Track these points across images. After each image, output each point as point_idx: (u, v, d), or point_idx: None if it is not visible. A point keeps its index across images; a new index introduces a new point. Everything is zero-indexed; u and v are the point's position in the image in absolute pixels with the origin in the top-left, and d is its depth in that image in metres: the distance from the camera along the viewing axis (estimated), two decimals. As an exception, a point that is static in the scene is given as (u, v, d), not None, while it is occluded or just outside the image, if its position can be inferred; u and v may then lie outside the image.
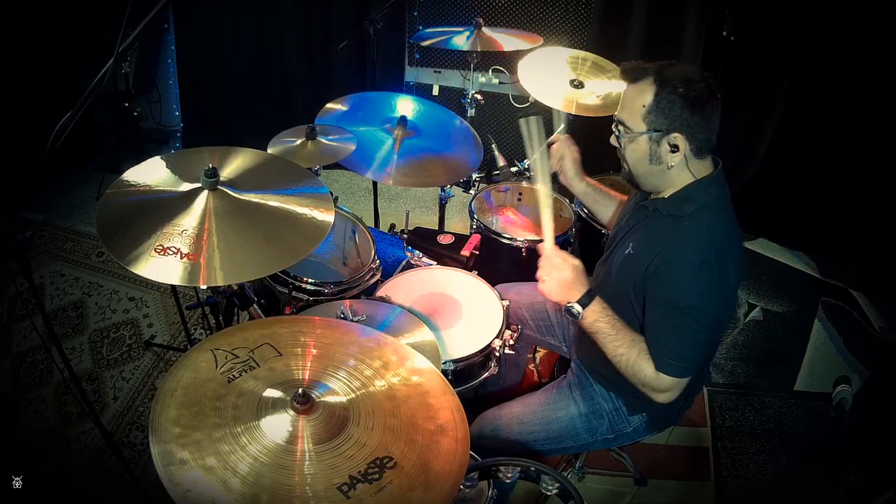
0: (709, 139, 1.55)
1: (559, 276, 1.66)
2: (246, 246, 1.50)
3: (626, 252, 1.68)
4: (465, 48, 2.68)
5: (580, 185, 2.07)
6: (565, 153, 2.04)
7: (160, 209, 1.53)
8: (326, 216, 1.62)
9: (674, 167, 1.58)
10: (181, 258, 1.43)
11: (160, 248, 1.44)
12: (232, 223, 1.53)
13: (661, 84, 1.52)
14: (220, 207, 1.55)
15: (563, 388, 1.91)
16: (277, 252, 1.51)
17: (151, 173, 1.63)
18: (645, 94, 1.54)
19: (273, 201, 1.62)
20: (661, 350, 1.59)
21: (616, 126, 1.63)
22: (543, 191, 1.81)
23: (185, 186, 1.59)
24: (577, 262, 1.68)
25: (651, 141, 1.56)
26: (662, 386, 1.60)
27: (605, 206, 2.08)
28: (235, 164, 1.69)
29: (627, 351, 1.63)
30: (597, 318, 1.65)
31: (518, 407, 1.90)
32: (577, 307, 1.65)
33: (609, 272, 1.78)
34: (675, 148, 1.55)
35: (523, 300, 2.15)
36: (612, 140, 1.66)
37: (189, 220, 1.51)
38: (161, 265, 1.42)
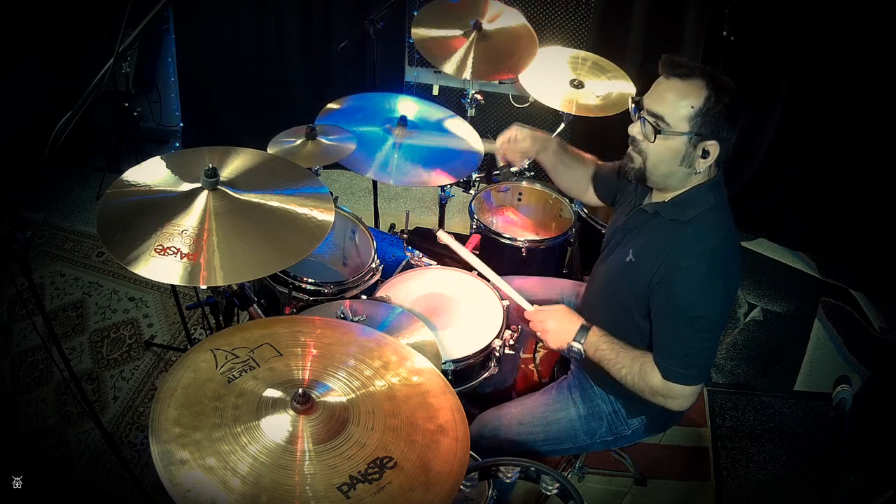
0: (730, 149, 1.55)
1: (547, 327, 1.78)
2: (246, 246, 1.50)
3: (627, 259, 1.67)
4: (452, 72, 2.54)
5: (548, 153, 2.04)
6: (509, 137, 2.04)
7: (160, 209, 1.52)
8: (326, 216, 1.62)
9: (700, 173, 1.57)
10: (181, 258, 1.43)
11: (160, 248, 1.44)
12: (232, 223, 1.53)
13: (715, 91, 1.48)
14: (220, 207, 1.55)
15: (562, 390, 1.91)
16: (278, 252, 1.51)
17: (151, 173, 1.63)
18: (695, 96, 1.48)
19: (273, 201, 1.62)
20: (669, 360, 1.59)
21: (651, 119, 1.53)
22: (490, 274, 1.94)
23: (185, 186, 1.59)
24: (558, 307, 1.80)
25: (689, 143, 1.52)
26: (672, 393, 1.61)
27: (573, 170, 2.05)
28: (235, 164, 1.69)
29: (630, 368, 1.66)
30: (596, 347, 1.71)
31: (518, 408, 1.90)
32: (577, 346, 1.73)
33: (607, 277, 1.78)
34: (706, 154, 1.53)
35: (525, 296, 2.15)
36: (636, 131, 1.58)
37: (189, 220, 1.51)
38: (161, 265, 1.42)
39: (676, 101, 1.50)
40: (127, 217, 1.50)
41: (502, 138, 2.09)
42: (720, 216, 1.59)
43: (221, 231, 1.50)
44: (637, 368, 1.65)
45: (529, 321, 1.84)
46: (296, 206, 1.62)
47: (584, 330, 1.73)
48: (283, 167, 1.80)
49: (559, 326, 1.77)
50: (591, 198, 2.07)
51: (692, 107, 1.49)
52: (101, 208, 1.52)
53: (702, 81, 1.49)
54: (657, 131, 1.53)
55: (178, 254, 1.44)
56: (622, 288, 1.69)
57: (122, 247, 1.43)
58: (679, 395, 1.61)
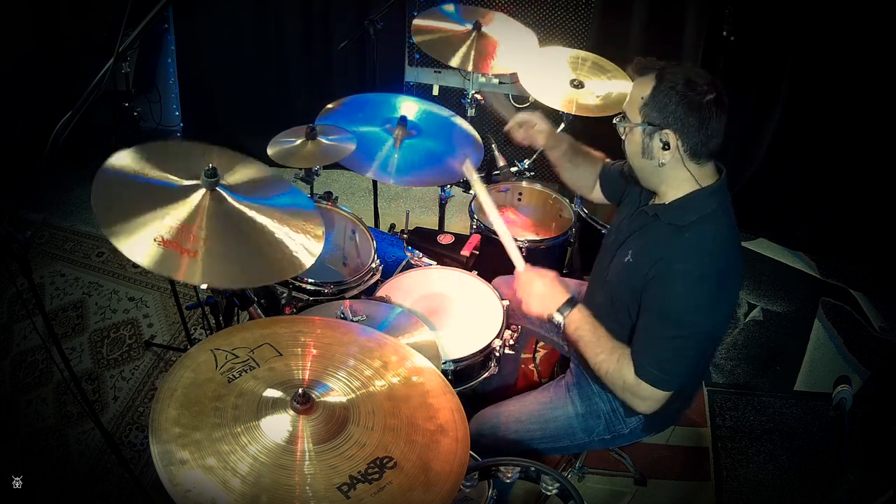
0: (704, 143, 1.53)
1: (534, 290, 1.72)
2: (228, 252, 1.48)
3: (626, 260, 1.67)
4: (456, 64, 2.60)
5: (556, 151, 2.07)
6: (528, 121, 2.08)
7: (157, 194, 1.51)
8: (312, 252, 1.58)
9: (665, 165, 1.56)
10: (161, 245, 1.41)
11: (159, 238, 1.42)
12: (222, 227, 1.51)
13: (660, 79, 1.52)
14: (213, 208, 1.53)
15: (560, 388, 1.91)
16: (258, 267, 1.50)
17: (158, 155, 1.61)
18: (645, 87, 1.54)
19: (266, 219, 1.59)
20: (645, 358, 1.58)
21: (619, 118, 1.64)
22: (494, 215, 1.85)
23: (186, 180, 1.57)
24: (550, 273, 1.74)
25: (644, 134, 1.56)
26: (642, 393, 1.59)
27: (581, 168, 2.06)
28: (243, 172, 1.67)
29: (608, 357, 1.63)
30: (578, 325, 1.68)
31: (516, 406, 1.90)
32: (558, 317, 1.69)
33: (608, 276, 1.77)
34: (666, 145, 1.53)
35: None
36: (619, 132, 1.67)
37: (181, 211, 1.49)
38: (143, 247, 1.39)
39: (634, 96, 1.59)
40: (124, 190, 1.49)
41: (522, 117, 2.11)
42: (721, 223, 1.58)
43: (210, 231, 1.48)
44: (615, 359, 1.62)
45: (518, 281, 1.78)
46: (285, 232, 1.59)
47: (570, 304, 1.69)
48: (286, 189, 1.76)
49: (546, 293, 1.71)
50: (597, 196, 2.06)
51: (642, 98, 1.55)
52: (101, 173, 1.50)
53: (653, 74, 1.54)
54: (618, 126, 1.64)
55: (161, 241, 1.42)
56: (621, 288, 1.69)
57: (112, 215, 1.42)
58: (648, 397, 1.59)
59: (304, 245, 1.59)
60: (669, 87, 1.50)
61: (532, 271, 1.76)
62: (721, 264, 1.54)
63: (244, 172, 1.68)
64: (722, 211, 1.58)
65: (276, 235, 1.57)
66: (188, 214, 1.50)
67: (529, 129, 2.10)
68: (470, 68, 2.60)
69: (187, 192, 1.54)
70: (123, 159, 1.56)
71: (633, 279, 1.63)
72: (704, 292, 1.52)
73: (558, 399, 1.88)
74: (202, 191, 1.55)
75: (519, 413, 1.88)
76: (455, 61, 2.59)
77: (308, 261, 1.56)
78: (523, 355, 2.19)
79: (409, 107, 2.48)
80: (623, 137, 1.64)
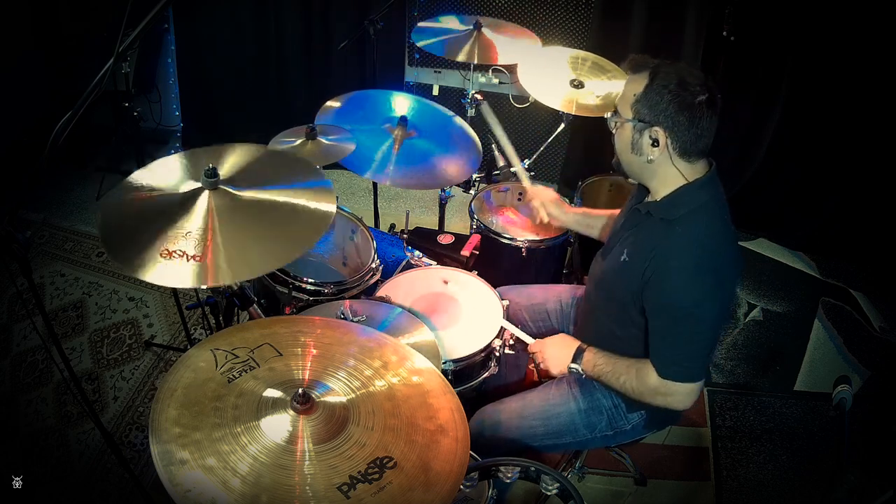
0: (694, 142, 1.54)
1: (547, 356, 1.85)
2: (251, 242, 1.50)
3: (622, 259, 1.68)
4: (462, 58, 2.67)
5: (569, 219, 2.20)
6: (542, 201, 2.20)
7: (162, 214, 1.52)
8: (328, 207, 1.62)
9: (654, 162, 1.58)
10: (188, 260, 1.42)
11: (165, 252, 1.42)
12: (235, 220, 1.52)
13: (653, 77, 1.53)
14: (222, 206, 1.54)
15: (562, 385, 1.91)
16: (283, 245, 1.51)
17: (150, 178, 1.62)
18: (638, 85, 1.56)
19: (274, 195, 1.61)
20: (664, 357, 1.61)
21: (611, 113, 1.67)
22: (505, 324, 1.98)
23: (185, 189, 1.58)
24: (556, 336, 1.89)
25: (634, 130, 1.58)
26: (670, 391, 1.62)
27: (598, 227, 2.13)
28: (232, 160, 1.68)
29: (628, 377, 1.70)
30: (594, 364, 1.77)
31: (518, 402, 1.91)
32: (575, 367, 1.80)
33: (605, 276, 1.78)
34: (655, 142, 1.55)
35: (523, 301, 2.15)
36: (609, 125, 1.70)
37: (193, 221, 1.50)
38: (168, 269, 1.40)
39: (626, 93, 1.61)
40: (129, 225, 1.49)
41: (544, 209, 2.22)
42: (713, 213, 1.59)
43: (226, 229, 1.49)
44: (634, 373, 1.68)
45: (532, 353, 1.92)
46: (297, 198, 1.62)
47: (580, 352, 1.81)
48: (280, 161, 1.79)
49: (558, 353, 1.85)
50: None
51: (634, 95, 1.57)
52: (103, 218, 1.50)
53: (647, 71, 1.56)
54: (610, 121, 1.66)
55: (185, 256, 1.42)
56: (619, 287, 1.70)
57: (128, 254, 1.42)
58: (678, 393, 1.63)
59: (319, 202, 1.63)
60: (662, 85, 1.52)
61: (540, 341, 1.91)
62: (715, 255, 1.56)
63: (233, 161, 1.69)
64: (714, 203, 1.60)
65: (290, 202, 1.61)
66: (202, 220, 1.50)
67: (543, 207, 2.22)
68: (476, 60, 2.67)
69: (192, 198, 1.55)
70: (119, 195, 1.58)
71: (631, 279, 1.63)
72: (701, 284, 1.53)
73: (560, 395, 1.88)
74: (205, 193, 1.55)
75: (521, 410, 1.88)
76: (461, 57, 2.67)
77: (329, 209, 1.61)
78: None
79: (407, 104, 2.48)
80: (613, 132, 1.67)
